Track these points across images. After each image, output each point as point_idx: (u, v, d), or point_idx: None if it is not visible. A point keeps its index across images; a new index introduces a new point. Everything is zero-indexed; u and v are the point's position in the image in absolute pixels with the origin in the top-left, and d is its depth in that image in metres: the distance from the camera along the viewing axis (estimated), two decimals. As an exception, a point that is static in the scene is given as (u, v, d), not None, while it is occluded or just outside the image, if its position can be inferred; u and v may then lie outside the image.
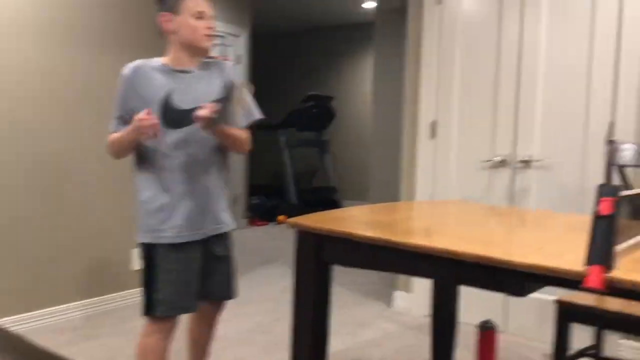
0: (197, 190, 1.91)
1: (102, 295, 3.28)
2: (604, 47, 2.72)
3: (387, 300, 3.67)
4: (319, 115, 7.41)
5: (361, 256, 1.56)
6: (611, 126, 2.70)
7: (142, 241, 1.92)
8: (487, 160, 3.11)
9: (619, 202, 1.15)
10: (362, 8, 6.98)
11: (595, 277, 1.10)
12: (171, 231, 1.88)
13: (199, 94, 1.89)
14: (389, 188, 6.43)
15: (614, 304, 1.93)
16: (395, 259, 1.49)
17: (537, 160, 2.94)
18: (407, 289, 3.46)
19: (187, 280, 1.91)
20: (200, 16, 1.86)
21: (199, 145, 1.89)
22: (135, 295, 3.40)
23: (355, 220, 1.77)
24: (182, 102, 1.86)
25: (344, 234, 1.55)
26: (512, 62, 3.00)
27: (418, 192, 3.37)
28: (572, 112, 2.83)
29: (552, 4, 2.87)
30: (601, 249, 1.12)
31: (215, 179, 1.96)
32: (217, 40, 5.63)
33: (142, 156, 1.91)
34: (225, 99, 1.76)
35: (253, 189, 7.05)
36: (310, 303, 1.65)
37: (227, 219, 2.03)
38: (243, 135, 1.98)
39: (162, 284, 1.88)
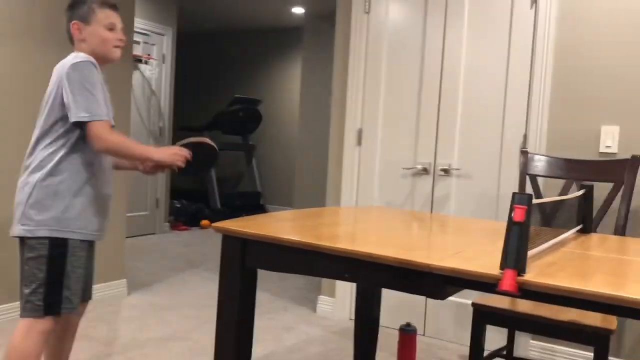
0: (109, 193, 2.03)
1: None
2: (519, 61, 2.87)
3: (312, 305, 3.69)
4: (245, 119, 7.35)
5: (286, 260, 1.56)
6: (524, 138, 2.85)
7: (53, 235, 1.86)
8: (410, 168, 3.20)
9: (531, 209, 1.21)
10: (292, 13, 7.01)
11: (509, 280, 1.15)
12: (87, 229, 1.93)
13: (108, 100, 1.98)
14: (315, 194, 6.47)
15: (526, 306, 2.03)
16: (319, 263, 1.50)
17: (457, 169, 3.06)
18: (331, 293, 3.49)
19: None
20: (111, 27, 1.95)
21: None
22: None
23: (280, 224, 1.76)
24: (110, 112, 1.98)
25: (269, 238, 1.54)
26: (435, 73, 3.11)
27: (343, 198, 3.41)
28: (490, 124, 2.97)
29: (473, 17, 3.00)
30: (515, 253, 1.17)
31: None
32: (141, 38, 5.48)
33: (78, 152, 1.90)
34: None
35: (175, 192, 6.89)
36: (235, 308, 1.62)
37: None
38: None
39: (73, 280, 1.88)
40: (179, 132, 8.74)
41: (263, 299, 3.79)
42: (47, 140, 1.87)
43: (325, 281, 3.52)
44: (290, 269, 1.58)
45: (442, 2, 3.07)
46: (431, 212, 3.14)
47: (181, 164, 1.96)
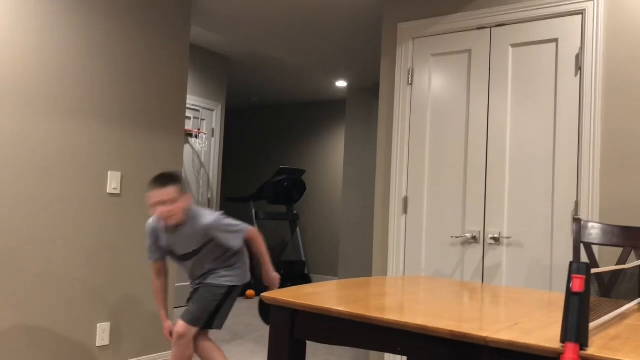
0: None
1: (60, 373, 3.12)
2: (567, 129, 2.85)
3: (359, 379, 3.57)
4: (290, 188, 7.45)
5: (334, 332, 1.54)
6: (576, 205, 2.78)
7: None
8: (458, 237, 3.15)
9: (590, 278, 1.17)
10: (336, 86, 7.22)
11: (571, 354, 1.10)
12: None
13: (187, 245, 2.70)
14: (359, 263, 6.41)
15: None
16: (368, 335, 1.47)
17: (507, 237, 2.99)
18: (379, 367, 3.38)
19: None
20: (153, 206, 2.59)
21: (194, 265, 2.81)
22: (95, 374, 3.24)
23: (327, 295, 1.75)
24: (177, 249, 2.73)
25: (318, 309, 1.53)
26: (480, 142, 3.11)
27: (390, 267, 3.37)
28: (539, 191, 2.92)
29: (517, 85, 3.02)
30: (575, 325, 1.13)
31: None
32: (191, 114, 5.72)
33: None
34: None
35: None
36: (283, 381, 1.60)
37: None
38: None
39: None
40: (226, 202, 8.92)
41: (309, 373, 3.69)
42: None
43: (373, 355, 3.42)
44: (339, 341, 1.55)
45: (485, 72, 3.12)
46: (482, 282, 3.05)
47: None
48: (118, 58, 3.37)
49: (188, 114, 5.66)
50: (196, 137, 5.77)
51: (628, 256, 2.38)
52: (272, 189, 7.31)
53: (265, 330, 4.93)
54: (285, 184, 7.35)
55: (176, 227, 2.67)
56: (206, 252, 2.74)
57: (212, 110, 5.98)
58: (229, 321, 5.24)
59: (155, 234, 2.73)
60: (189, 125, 5.66)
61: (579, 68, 2.83)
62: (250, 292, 6.54)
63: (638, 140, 2.66)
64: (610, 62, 2.75)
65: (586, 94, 2.79)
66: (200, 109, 5.83)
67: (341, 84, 6.81)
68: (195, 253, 2.72)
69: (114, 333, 3.35)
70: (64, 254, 3.10)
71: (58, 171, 3.08)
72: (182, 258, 2.74)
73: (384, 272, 3.42)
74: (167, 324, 2.82)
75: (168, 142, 3.69)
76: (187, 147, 5.65)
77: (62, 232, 3.09)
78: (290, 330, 1.60)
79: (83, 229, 3.19)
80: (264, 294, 1.64)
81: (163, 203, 2.57)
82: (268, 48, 4.95)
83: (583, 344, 1.13)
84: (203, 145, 5.87)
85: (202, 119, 5.87)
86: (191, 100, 5.67)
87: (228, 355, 4.05)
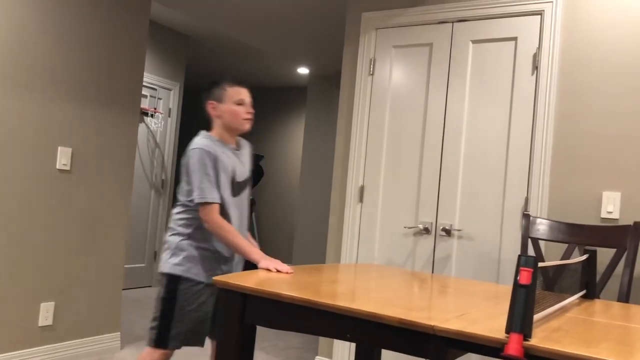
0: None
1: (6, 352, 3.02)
2: (521, 126, 2.91)
3: (307, 365, 3.59)
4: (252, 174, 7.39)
5: (285, 317, 1.53)
6: (526, 201, 2.86)
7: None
8: (411, 227, 3.19)
9: (536, 272, 1.20)
10: (297, 72, 7.18)
11: (515, 344, 1.13)
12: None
13: (245, 168, 2.34)
14: (314, 250, 6.43)
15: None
16: (318, 321, 1.47)
17: (458, 230, 3.05)
18: (328, 354, 3.41)
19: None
20: (240, 103, 2.28)
21: (242, 208, 2.32)
22: (38, 354, 3.15)
23: (279, 280, 1.74)
24: (239, 175, 2.29)
25: (269, 294, 1.52)
26: (437, 134, 3.15)
27: (343, 254, 3.39)
28: (491, 186, 2.98)
29: (475, 82, 3.07)
30: (521, 317, 1.16)
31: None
32: (148, 92, 5.58)
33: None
34: None
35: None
36: (231, 366, 1.58)
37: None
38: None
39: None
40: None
41: (258, 358, 3.70)
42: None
43: (322, 341, 3.45)
44: (288, 327, 1.55)
45: (445, 66, 3.15)
46: (432, 272, 3.11)
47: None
48: (72, 28, 3.25)
49: (144, 92, 5.52)
50: (152, 116, 5.64)
51: (572, 252, 2.46)
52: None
53: (215, 314, 4.88)
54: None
55: (235, 147, 2.32)
56: (249, 189, 2.38)
57: (170, 90, 5.85)
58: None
59: (215, 160, 2.19)
60: (145, 104, 5.52)
61: (535, 67, 2.90)
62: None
63: (587, 140, 2.74)
64: (565, 63, 2.82)
65: (541, 93, 2.86)
66: (158, 88, 5.70)
67: (303, 70, 6.78)
68: (249, 181, 2.37)
69: (58, 313, 3.26)
70: (9, 230, 2.99)
71: (5, 146, 2.96)
72: (239, 188, 2.29)
73: (337, 259, 3.44)
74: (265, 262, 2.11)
75: (122, 119, 3.59)
76: (142, 126, 5.52)
77: (8, 208, 2.98)
78: (241, 314, 1.59)
79: (30, 205, 3.08)
80: (215, 278, 1.62)
81: (248, 104, 2.29)
82: (230, 29, 4.86)
83: (527, 335, 1.16)
84: (159, 125, 5.74)
85: (159, 98, 5.74)
86: (148, 78, 5.53)
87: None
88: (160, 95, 5.75)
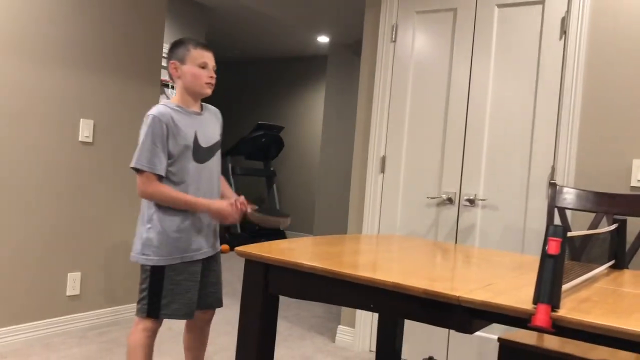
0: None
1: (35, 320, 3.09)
2: (548, 93, 2.83)
3: (331, 335, 3.62)
4: (267, 144, 7.39)
5: (308, 287, 1.53)
6: (552, 170, 2.79)
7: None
8: (434, 197, 3.16)
9: (565, 242, 1.17)
10: (317, 41, 7.08)
11: (543, 315, 1.10)
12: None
13: (211, 134, 2.24)
14: (335, 221, 6.43)
15: (553, 343, 1.96)
16: (341, 291, 1.46)
17: (482, 200, 3.01)
18: (350, 323, 3.43)
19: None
20: (203, 66, 2.16)
21: (210, 175, 2.24)
22: (66, 322, 3.22)
23: (302, 250, 1.73)
24: (203, 141, 2.19)
25: (292, 264, 1.51)
26: (461, 103, 3.09)
27: (365, 225, 3.37)
28: (516, 155, 2.92)
29: (501, 48, 2.98)
30: (549, 288, 1.13)
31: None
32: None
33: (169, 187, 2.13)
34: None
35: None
36: (256, 334, 1.59)
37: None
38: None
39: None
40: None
41: (281, 327, 3.74)
42: None
43: (345, 311, 3.46)
44: (311, 297, 1.55)
45: (470, 32, 3.07)
46: (455, 242, 3.08)
47: (234, 221, 2.21)
48: (92, 1, 3.23)
49: (164, 64, 5.50)
50: (172, 87, 5.63)
51: (600, 221, 2.41)
52: (250, 145, 7.24)
53: (238, 284, 4.94)
54: (263, 139, 7.28)
55: (197, 112, 2.22)
56: (218, 156, 2.30)
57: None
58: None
59: (168, 127, 2.10)
60: (165, 76, 5.51)
61: (563, 32, 2.80)
62: (224, 246, 6.53)
63: (616, 108, 2.66)
64: (594, 28, 2.72)
65: (569, 59, 2.76)
66: (178, 59, 5.68)
67: (323, 39, 6.68)
68: (216, 148, 2.28)
69: (84, 283, 3.32)
70: (35, 201, 3.03)
71: (30, 118, 2.97)
72: (206, 154, 2.22)
73: (359, 230, 3.43)
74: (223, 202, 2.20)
75: (143, 91, 3.58)
76: (163, 99, 5.52)
77: (34, 180, 3.01)
78: (264, 285, 1.59)
79: (55, 177, 3.11)
80: (238, 248, 1.62)
81: (211, 68, 2.19)
82: (249, -2, 4.79)
83: (555, 306, 1.13)
84: (180, 97, 5.74)
85: (179, 70, 5.72)
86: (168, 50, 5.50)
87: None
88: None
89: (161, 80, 4.91)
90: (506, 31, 2.97)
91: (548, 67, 2.84)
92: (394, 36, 3.31)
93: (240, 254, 1.60)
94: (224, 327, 3.64)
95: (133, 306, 3.61)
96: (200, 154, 2.17)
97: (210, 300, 2.28)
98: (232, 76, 8.81)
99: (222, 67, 8.79)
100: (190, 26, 5.76)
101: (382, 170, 3.34)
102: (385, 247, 2.00)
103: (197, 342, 2.33)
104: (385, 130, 3.33)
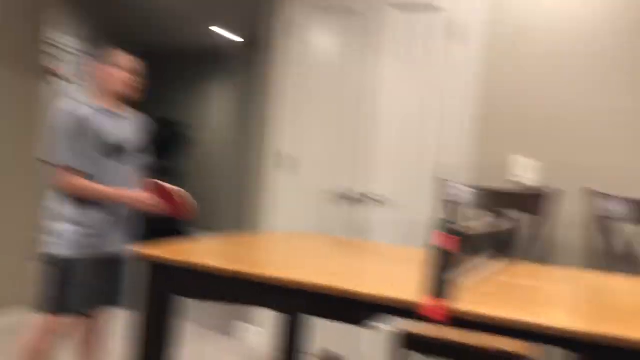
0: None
1: None
2: (440, 93, 2.96)
3: (234, 333, 3.58)
4: (167, 140, 7.17)
5: (207, 288, 1.49)
6: (447, 168, 2.93)
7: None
8: (338, 194, 3.21)
9: (456, 236, 1.22)
10: (224, 37, 6.96)
11: (434, 308, 1.15)
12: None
13: (120, 133, 2.22)
14: (241, 219, 6.36)
15: (450, 334, 2.05)
16: (243, 291, 1.44)
17: (382, 196, 3.10)
18: (254, 322, 3.41)
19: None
20: (122, 67, 2.18)
21: (125, 174, 2.24)
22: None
23: (204, 250, 1.70)
24: (116, 139, 2.19)
25: (188, 264, 1.47)
26: (357, 101, 3.15)
27: (271, 223, 3.36)
28: (410, 153, 3.03)
29: (396, 48, 3.07)
30: (440, 281, 1.18)
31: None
32: (70, 57, 5.24)
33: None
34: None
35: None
36: (151, 337, 1.53)
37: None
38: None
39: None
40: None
41: (183, 328, 3.64)
42: None
43: (248, 309, 3.43)
44: (212, 298, 1.52)
45: (366, 31, 3.13)
46: (353, 238, 3.15)
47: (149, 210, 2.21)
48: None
49: (55, 53, 5.16)
50: (60, 77, 5.30)
51: (489, 216, 2.56)
52: (153, 141, 6.99)
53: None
54: (163, 135, 7.06)
55: (118, 110, 2.25)
56: (129, 158, 2.29)
57: (82, 52, 5.52)
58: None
59: (86, 124, 2.11)
60: (64, 68, 5.18)
61: (457, 32, 2.93)
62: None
63: (505, 108, 2.83)
64: (485, 34, 2.87)
65: (460, 61, 2.90)
66: (78, 52, 5.36)
67: (227, 34, 6.58)
68: (124, 150, 2.26)
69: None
70: None
71: None
72: (118, 153, 2.21)
73: (259, 228, 3.41)
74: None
75: (19, 78, 3.34)
76: (50, 88, 5.18)
77: None
78: (159, 286, 1.53)
79: None
80: (134, 249, 1.55)
81: (128, 70, 2.21)
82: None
83: (445, 298, 1.18)
84: (64, 87, 5.42)
85: (69, 61, 5.40)
86: (65, 40, 5.17)
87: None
88: (81, 60, 5.41)
89: (49, 70, 4.59)
90: (401, 31, 3.07)
91: (440, 68, 2.97)
92: (293, 33, 3.32)
93: (137, 255, 1.54)
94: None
95: (15, 311, 3.36)
96: (111, 151, 2.17)
97: (113, 299, 2.24)
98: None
99: (119, 59, 8.40)
100: (83, 13, 5.45)
101: (284, 167, 3.34)
102: (285, 245, 2.00)
103: (93, 344, 2.25)
104: (287, 126, 3.34)
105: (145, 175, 2.38)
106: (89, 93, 2.21)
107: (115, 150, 2.19)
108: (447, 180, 2.66)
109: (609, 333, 1.06)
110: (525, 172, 2.77)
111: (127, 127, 2.27)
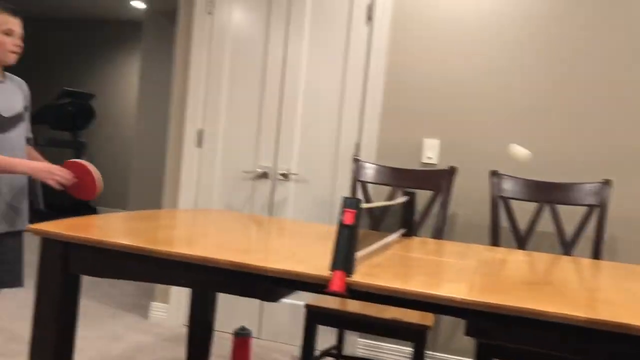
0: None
1: None
2: (355, 74, 3.03)
3: (143, 312, 3.52)
4: (75, 113, 6.83)
5: (114, 266, 1.47)
6: (357, 147, 3.01)
7: None
8: (250, 172, 3.21)
9: (359, 213, 1.28)
10: (131, 6, 6.68)
11: (338, 281, 1.20)
12: None
13: (12, 103, 2.10)
14: (151, 196, 6.20)
15: (355, 306, 2.14)
16: (150, 268, 1.43)
17: (295, 174, 3.14)
18: (164, 299, 3.37)
19: None
20: (7, 33, 2.04)
21: (12, 146, 2.10)
22: None
23: (109, 227, 1.66)
24: (4, 110, 2.05)
25: (94, 242, 1.44)
26: (276, 79, 3.16)
27: (181, 200, 3.32)
28: (326, 132, 3.09)
29: (313, 27, 3.10)
30: (344, 255, 1.23)
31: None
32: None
33: None
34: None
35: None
36: (54, 318, 1.49)
37: None
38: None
39: None
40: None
41: (89, 308, 3.54)
42: None
43: (158, 287, 3.39)
44: (118, 275, 1.49)
45: (285, 11, 3.14)
46: (270, 215, 3.18)
47: (55, 184, 2.08)
48: None
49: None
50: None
51: (396, 194, 2.66)
52: (55, 113, 6.63)
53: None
54: (70, 108, 6.72)
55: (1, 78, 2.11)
56: (24, 128, 2.17)
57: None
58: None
59: None
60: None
61: (369, 18, 3.00)
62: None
63: (413, 92, 2.94)
64: (397, 15, 2.95)
65: (374, 44, 2.98)
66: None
67: (138, 4, 6.32)
68: (20, 118, 2.15)
69: None
70: None
71: None
72: (7, 124, 2.10)
73: (175, 205, 3.36)
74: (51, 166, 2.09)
75: None
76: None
77: None
78: (62, 264, 1.49)
79: None
80: (31, 226, 1.49)
81: (18, 35, 2.06)
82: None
83: (349, 272, 1.24)
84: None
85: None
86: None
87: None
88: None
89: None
90: (318, 11, 3.09)
91: (355, 50, 3.03)
92: (210, 8, 3.26)
93: (35, 232, 1.48)
94: (22, 311, 3.34)
95: None
96: (1, 123, 2.04)
97: (6, 278, 2.11)
98: (33, 36, 7.94)
99: (25, 23, 7.86)
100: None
101: (199, 144, 3.30)
102: (200, 222, 2.00)
103: None
104: (202, 103, 3.29)
105: (29, 144, 2.27)
106: None
107: (7, 123, 2.07)
108: (361, 160, 2.73)
109: (491, 301, 1.16)
110: (432, 152, 2.90)
111: (12, 96, 2.13)
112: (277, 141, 3.17)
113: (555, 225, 2.46)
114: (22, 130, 2.16)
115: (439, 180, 2.61)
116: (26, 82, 2.30)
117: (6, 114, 2.08)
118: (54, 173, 2.07)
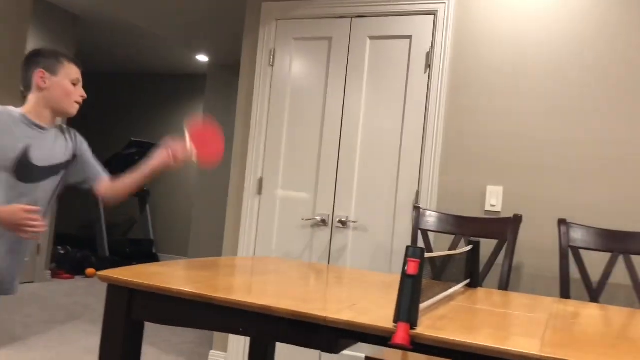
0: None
1: None
2: (413, 123, 3.02)
3: None
4: (140, 162, 7.10)
5: (176, 312, 1.48)
6: (416, 194, 2.97)
7: None
8: (309, 219, 3.21)
9: (423, 262, 1.24)
10: (196, 60, 6.99)
11: (402, 334, 1.16)
12: None
13: (54, 153, 2.02)
14: (211, 244, 6.31)
15: (416, 359, 2.06)
16: (211, 316, 1.43)
17: (353, 222, 3.11)
18: (223, 348, 3.36)
19: None
20: (75, 83, 2.03)
21: (42, 198, 2.02)
22: None
23: (171, 274, 1.68)
24: (37, 158, 1.96)
25: (157, 288, 1.46)
26: (335, 129, 3.19)
27: (241, 248, 3.35)
28: (385, 179, 3.07)
29: (372, 78, 3.13)
30: (407, 307, 1.19)
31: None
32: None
33: None
34: None
35: (59, 238, 6.44)
36: (115, 364, 1.50)
37: None
38: None
39: None
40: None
41: (149, 355, 3.57)
42: None
43: (217, 335, 3.39)
44: (180, 322, 1.50)
45: (344, 61, 3.19)
46: (328, 263, 3.15)
47: (29, 236, 1.83)
48: None
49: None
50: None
51: (459, 243, 2.59)
52: (122, 162, 6.92)
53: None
54: (137, 157, 7.00)
55: (44, 127, 2.00)
56: (59, 180, 2.07)
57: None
58: (65, 300, 4.89)
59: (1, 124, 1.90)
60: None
61: (428, 66, 3.01)
62: (90, 270, 6.15)
63: (474, 138, 2.89)
64: (456, 63, 2.95)
65: (433, 91, 2.97)
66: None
67: (202, 58, 6.61)
68: (56, 171, 2.04)
69: None
70: None
71: None
72: (35, 174, 1.97)
73: (234, 252, 3.39)
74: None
75: (1, 101, 3.31)
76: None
77: None
78: (127, 310, 1.51)
79: None
80: (100, 272, 1.53)
81: (81, 86, 2.06)
82: (121, 11, 4.63)
83: (413, 324, 1.19)
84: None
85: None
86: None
87: (62, 335, 3.78)
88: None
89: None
90: (377, 62, 3.13)
91: (414, 98, 3.03)
92: (271, 60, 3.36)
93: (102, 279, 1.52)
94: (88, 355, 3.41)
95: (-20, 338, 3.26)
96: (25, 171, 1.93)
97: None
98: (105, 90, 8.40)
99: (94, 80, 8.36)
100: (59, 35, 5.43)
101: (259, 192, 3.34)
102: (259, 269, 2.00)
103: None
104: (262, 152, 3.35)
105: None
106: (27, 106, 2.00)
107: (32, 171, 1.96)
108: (422, 208, 2.69)
109: (566, 358, 1.08)
110: (495, 200, 2.82)
111: (57, 147, 2.05)
112: (336, 189, 3.17)
113: (631, 276, 2.31)
114: (54, 183, 2.05)
115: (503, 228, 2.52)
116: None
117: (40, 164, 1.97)
118: (20, 224, 1.78)
